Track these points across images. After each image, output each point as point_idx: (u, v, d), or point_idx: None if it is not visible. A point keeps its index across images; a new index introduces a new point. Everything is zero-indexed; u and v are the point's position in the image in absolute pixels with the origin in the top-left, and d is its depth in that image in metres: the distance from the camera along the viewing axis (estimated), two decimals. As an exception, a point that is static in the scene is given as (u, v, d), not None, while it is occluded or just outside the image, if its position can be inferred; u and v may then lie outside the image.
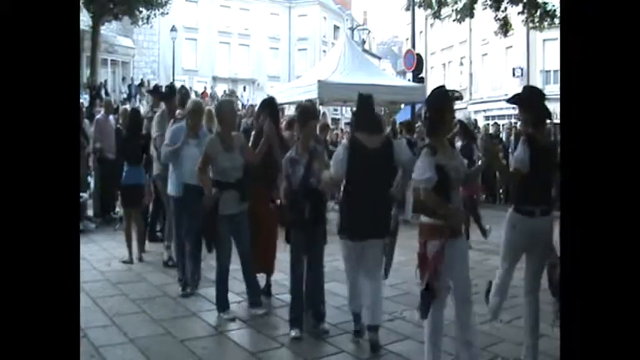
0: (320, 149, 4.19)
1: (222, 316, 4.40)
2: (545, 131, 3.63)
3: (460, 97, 3.70)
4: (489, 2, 13.05)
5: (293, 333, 3.99)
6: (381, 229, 3.78)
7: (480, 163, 3.91)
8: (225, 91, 31.60)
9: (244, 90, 34.94)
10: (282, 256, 4.74)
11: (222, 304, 4.45)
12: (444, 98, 3.33)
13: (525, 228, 3.43)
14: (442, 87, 3.50)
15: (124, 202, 6.49)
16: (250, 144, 4.84)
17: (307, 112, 4.27)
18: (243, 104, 23.71)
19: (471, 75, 31.07)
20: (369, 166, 3.70)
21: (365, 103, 3.92)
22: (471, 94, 30.49)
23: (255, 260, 4.64)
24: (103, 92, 22.36)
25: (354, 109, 4.23)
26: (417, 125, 10.15)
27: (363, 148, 3.72)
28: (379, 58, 46.94)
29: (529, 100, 3.55)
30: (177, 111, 5.76)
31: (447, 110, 3.32)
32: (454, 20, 13.86)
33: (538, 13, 12.74)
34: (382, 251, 3.81)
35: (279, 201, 4.42)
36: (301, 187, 3.99)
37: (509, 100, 3.70)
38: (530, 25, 13.66)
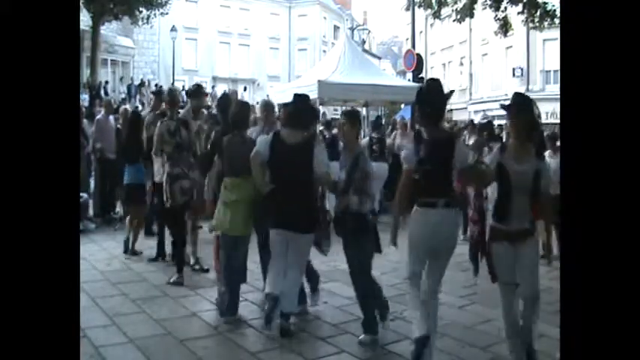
0: (364, 156, 4.17)
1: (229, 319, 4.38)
2: (440, 126, 3.64)
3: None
4: (489, 2, 13.05)
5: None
6: (302, 223, 3.94)
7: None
8: (225, 90, 31.53)
9: (245, 90, 34.90)
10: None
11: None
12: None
13: (428, 220, 3.43)
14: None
15: (126, 201, 6.54)
16: None
17: (351, 114, 4.36)
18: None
19: (470, 75, 31.05)
20: (289, 161, 3.91)
21: (298, 101, 4.16)
22: (470, 94, 30.48)
23: None
24: (102, 92, 22.33)
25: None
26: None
27: (283, 144, 3.94)
28: (379, 58, 46.93)
29: (427, 94, 3.56)
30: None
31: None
32: (454, 20, 13.85)
33: (538, 13, 12.74)
34: (307, 246, 4.09)
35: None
36: (343, 190, 3.97)
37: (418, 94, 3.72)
38: (530, 25, 13.65)
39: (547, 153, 6.78)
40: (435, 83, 3.65)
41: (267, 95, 14.27)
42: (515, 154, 3.37)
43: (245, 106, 4.79)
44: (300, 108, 4.14)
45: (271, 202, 4.01)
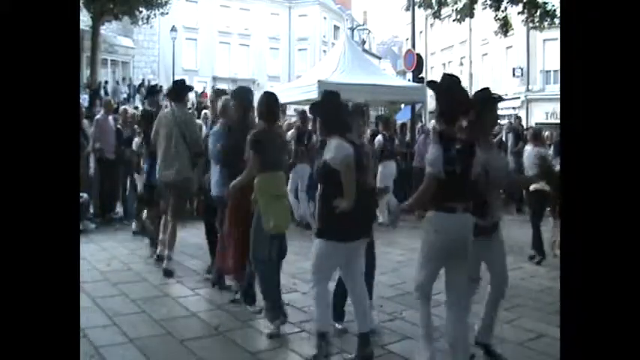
0: (368, 149, 4.11)
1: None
2: (459, 126, 3.30)
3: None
4: (489, 2, 13.04)
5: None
6: (368, 228, 3.75)
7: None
8: (225, 90, 31.48)
9: (247, 90, 34.90)
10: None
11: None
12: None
13: (446, 226, 3.20)
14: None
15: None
16: None
17: (357, 111, 4.16)
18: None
19: (471, 75, 31.05)
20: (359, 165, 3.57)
21: (268, 99, 4.21)
22: (470, 94, 30.48)
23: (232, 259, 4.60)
24: (102, 92, 22.32)
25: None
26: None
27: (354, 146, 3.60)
28: (379, 58, 46.90)
29: (447, 89, 3.27)
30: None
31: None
32: (454, 20, 13.84)
33: (538, 13, 12.72)
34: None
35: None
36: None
37: (428, 84, 3.58)
38: (530, 25, 13.64)
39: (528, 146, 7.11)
40: (456, 79, 3.40)
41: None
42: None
43: (276, 99, 4.50)
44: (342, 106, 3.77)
45: (338, 212, 3.41)
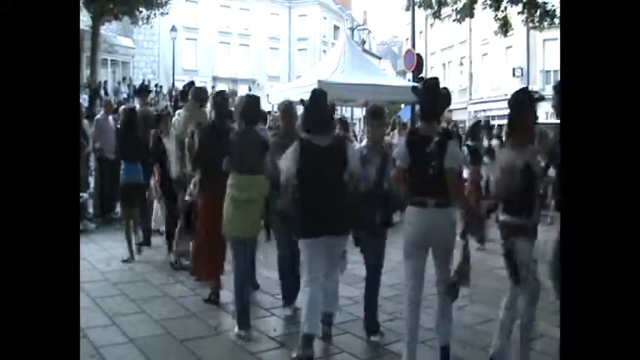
0: (391, 152, 4.01)
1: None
2: (433, 125, 3.49)
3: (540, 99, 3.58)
4: (489, 2, 13.06)
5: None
6: (343, 226, 3.72)
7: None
8: (226, 90, 31.48)
9: (249, 90, 34.86)
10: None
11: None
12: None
13: (417, 220, 3.38)
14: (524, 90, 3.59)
15: (123, 200, 6.51)
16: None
17: (377, 112, 4.08)
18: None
19: (470, 75, 31.07)
20: (321, 165, 3.62)
21: (317, 100, 3.80)
22: (470, 94, 30.50)
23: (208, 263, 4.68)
24: (102, 92, 22.30)
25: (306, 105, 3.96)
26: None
27: (314, 147, 3.64)
28: (379, 58, 46.93)
29: (426, 91, 3.52)
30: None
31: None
32: (454, 20, 13.87)
33: (538, 13, 12.75)
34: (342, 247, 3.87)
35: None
36: (374, 190, 3.84)
37: (412, 90, 3.83)
38: (530, 25, 13.66)
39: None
40: (432, 81, 3.60)
41: (267, 95, 14.24)
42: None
43: (256, 100, 4.51)
44: (323, 108, 3.84)
45: (302, 210, 3.63)
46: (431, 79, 3.73)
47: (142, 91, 8.57)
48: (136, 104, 18.27)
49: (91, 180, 8.81)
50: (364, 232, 3.91)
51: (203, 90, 6.25)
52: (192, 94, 5.94)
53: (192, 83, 6.75)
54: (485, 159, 7.50)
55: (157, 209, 7.23)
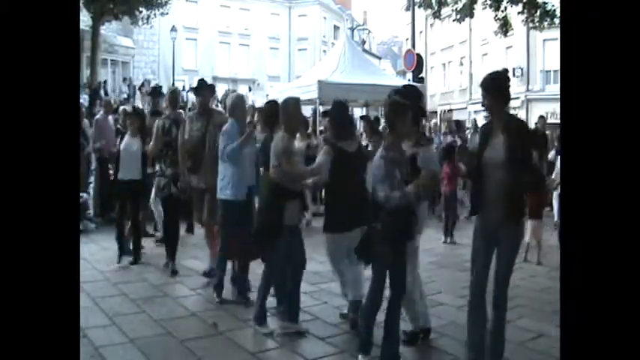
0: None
1: (260, 330, 4.13)
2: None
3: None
4: (489, 2, 13.05)
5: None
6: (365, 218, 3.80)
7: None
8: (226, 90, 31.49)
9: (250, 90, 34.85)
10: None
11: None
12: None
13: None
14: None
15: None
16: None
17: (399, 108, 3.51)
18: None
19: (470, 75, 31.04)
20: (351, 168, 4.14)
21: (341, 110, 4.41)
22: (470, 94, 30.47)
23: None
24: (102, 92, 22.30)
25: (330, 114, 4.54)
26: None
27: (344, 154, 4.13)
28: (379, 58, 46.91)
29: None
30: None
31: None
32: (454, 20, 13.86)
33: (538, 13, 12.74)
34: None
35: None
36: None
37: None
38: (530, 25, 13.66)
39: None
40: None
41: (267, 95, 14.26)
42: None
43: (276, 105, 4.58)
44: (347, 116, 4.48)
45: (334, 208, 4.22)
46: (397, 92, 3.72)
47: (155, 92, 8.53)
48: (137, 104, 18.31)
49: (91, 180, 8.79)
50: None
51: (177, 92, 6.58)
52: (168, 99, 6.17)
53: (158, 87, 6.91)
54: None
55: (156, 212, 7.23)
